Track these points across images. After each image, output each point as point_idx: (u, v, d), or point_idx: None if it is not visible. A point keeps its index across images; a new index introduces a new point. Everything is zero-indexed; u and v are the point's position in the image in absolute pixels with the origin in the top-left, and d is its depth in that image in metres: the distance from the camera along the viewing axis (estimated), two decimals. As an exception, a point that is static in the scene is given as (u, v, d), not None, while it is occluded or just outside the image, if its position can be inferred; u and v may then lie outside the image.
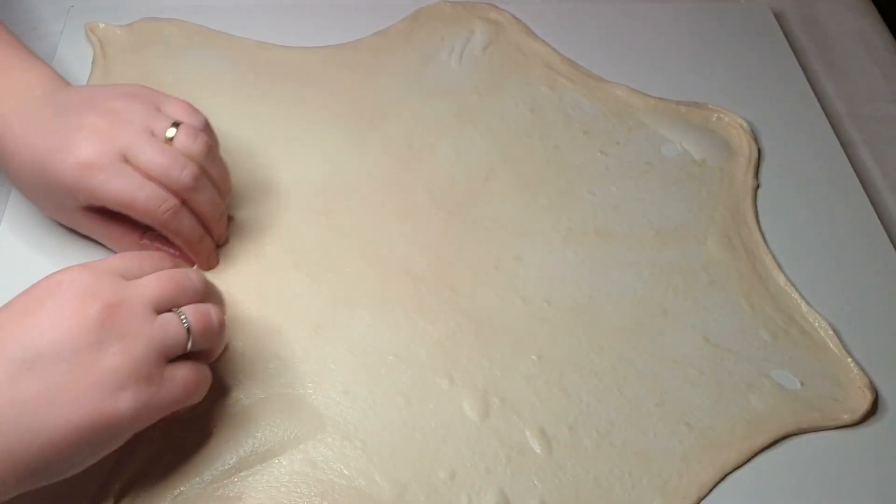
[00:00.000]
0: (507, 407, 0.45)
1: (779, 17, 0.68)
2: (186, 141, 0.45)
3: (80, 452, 0.35)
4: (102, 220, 0.46)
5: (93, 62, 0.60)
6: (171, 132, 0.45)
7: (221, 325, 0.41)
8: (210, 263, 0.48)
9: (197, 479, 0.41)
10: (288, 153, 0.55)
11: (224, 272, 0.49)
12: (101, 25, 0.61)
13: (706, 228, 0.53)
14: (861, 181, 0.57)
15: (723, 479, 0.43)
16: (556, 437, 0.44)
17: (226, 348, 0.44)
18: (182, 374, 0.38)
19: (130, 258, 0.40)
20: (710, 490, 0.43)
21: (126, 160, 0.44)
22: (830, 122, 0.60)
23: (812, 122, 0.60)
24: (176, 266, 0.42)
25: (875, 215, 0.55)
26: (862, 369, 0.47)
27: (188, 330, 0.38)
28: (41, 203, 0.48)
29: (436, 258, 0.51)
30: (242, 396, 0.44)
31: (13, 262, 0.48)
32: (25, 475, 0.34)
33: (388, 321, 0.47)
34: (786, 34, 0.67)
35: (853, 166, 0.58)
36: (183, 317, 0.38)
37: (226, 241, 0.50)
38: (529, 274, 0.50)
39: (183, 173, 0.44)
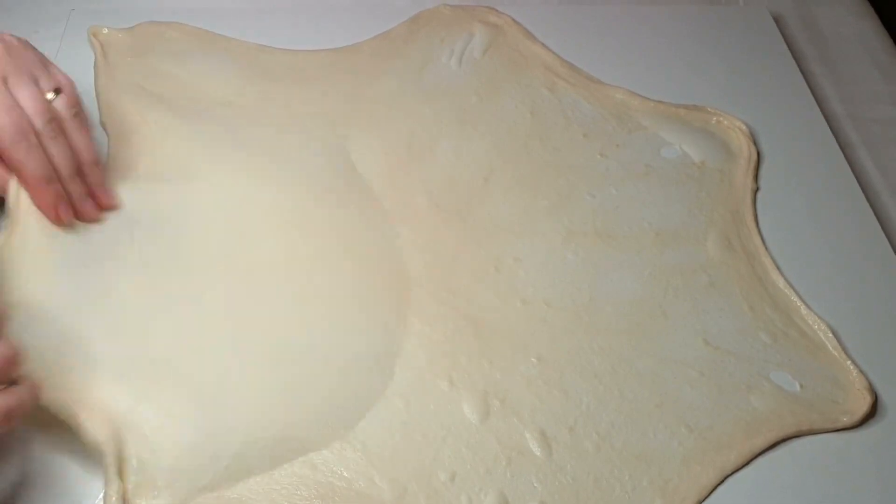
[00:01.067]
0: (507, 408, 0.45)
1: (778, 20, 0.68)
2: (64, 109, 0.47)
3: None
4: None
5: (94, 66, 0.60)
6: (52, 95, 0.47)
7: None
8: (60, 214, 0.47)
9: (196, 482, 0.41)
10: (287, 155, 0.56)
11: (218, 272, 0.49)
12: (105, 30, 0.61)
13: (706, 230, 0.53)
14: (860, 183, 0.57)
15: (723, 480, 0.43)
16: (556, 439, 0.44)
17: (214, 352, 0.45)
18: None
19: None
20: (710, 492, 0.43)
21: (4, 83, 0.45)
22: (829, 125, 0.60)
23: (811, 125, 0.61)
24: None
25: (874, 217, 0.55)
26: (861, 371, 0.47)
27: None
28: None
29: (435, 260, 0.51)
30: (239, 398, 0.44)
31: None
32: None
33: (384, 323, 0.47)
34: (785, 37, 0.67)
35: (852, 168, 0.58)
36: None
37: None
38: (529, 275, 0.50)
39: (49, 126, 0.46)
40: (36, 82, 0.47)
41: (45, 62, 0.49)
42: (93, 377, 0.44)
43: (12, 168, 0.46)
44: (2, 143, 0.45)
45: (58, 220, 0.48)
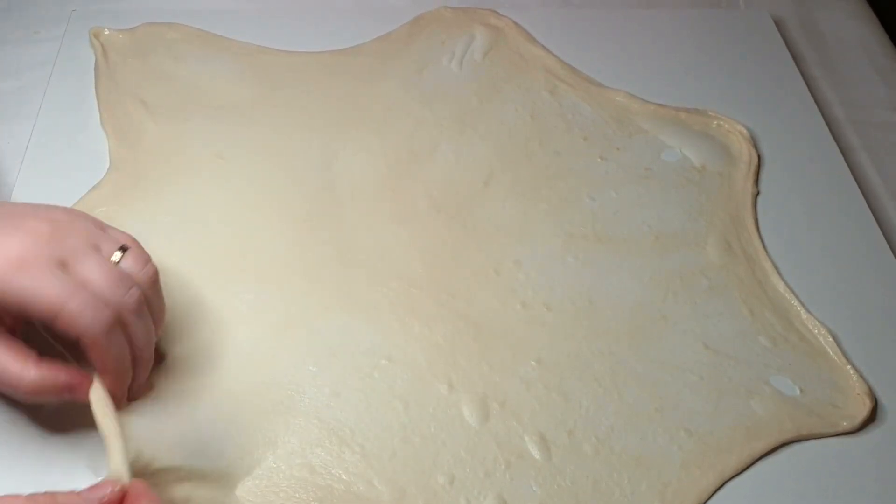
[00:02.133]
0: (507, 412, 0.45)
1: (779, 24, 0.68)
2: (135, 266, 0.40)
3: None
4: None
5: (95, 67, 0.60)
6: (118, 255, 0.40)
7: None
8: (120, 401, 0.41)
9: (195, 485, 0.41)
10: (288, 157, 0.56)
11: (212, 274, 0.49)
12: (106, 31, 0.61)
13: (706, 234, 0.53)
14: (861, 188, 0.57)
15: (722, 485, 0.43)
16: (556, 442, 0.44)
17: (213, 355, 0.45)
18: None
19: None
20: (710, 496, 0.43)
21: (63, 268, 0.38)
22: (830, 129, 0.60)
23: (812, 129, 0.61)
24: None
25: (874, 222, 0.55)
26: (861, 376, 0.47)
27: None
28: None
29: (434, 262, 0.51)
30: (237, 400, 0.44)
31: None
32: None
33: (379, 325, 0.47)
34: (786, 41, 0.67)
35: (853, 173, 0.58)
36: None
37: (149, 388, 0.43)
38: (529, 278, 0.50)
39: (128, 293, 0.39)
40: (97, 249, 0.39)
41: (100, 225, 0.41)
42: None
43: (93, 360, 0.39)
44: (81, 329, 0.37)
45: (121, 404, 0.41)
